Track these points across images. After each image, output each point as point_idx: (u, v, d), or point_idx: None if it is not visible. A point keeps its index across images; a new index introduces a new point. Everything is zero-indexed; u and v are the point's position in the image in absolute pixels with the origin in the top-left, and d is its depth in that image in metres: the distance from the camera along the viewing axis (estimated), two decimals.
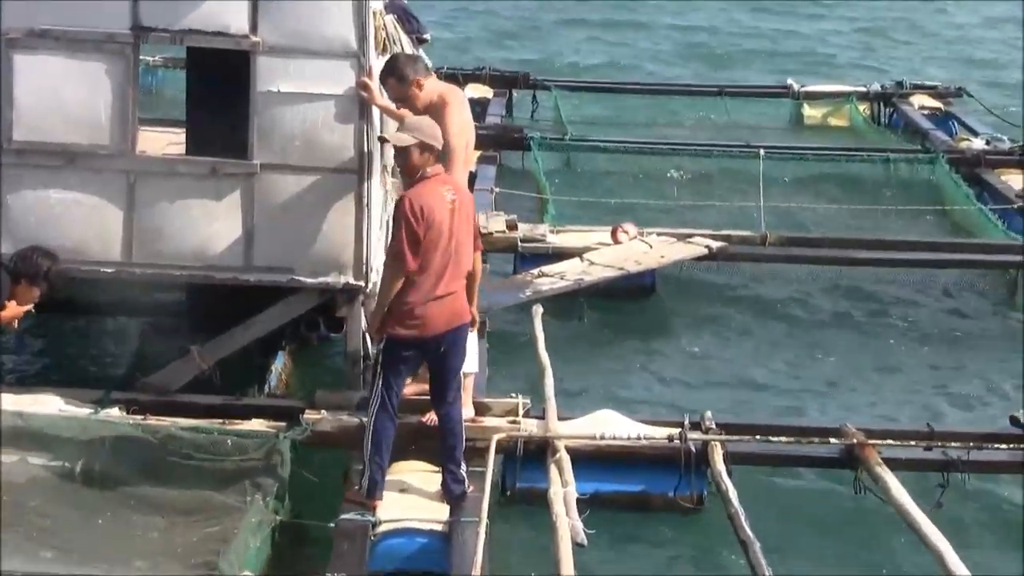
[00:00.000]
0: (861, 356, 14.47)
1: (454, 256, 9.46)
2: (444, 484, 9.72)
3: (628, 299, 15.27)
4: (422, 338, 9.42)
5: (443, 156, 9.74)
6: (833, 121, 24.55)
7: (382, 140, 9.32)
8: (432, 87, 10.25)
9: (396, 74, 10.18)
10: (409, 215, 9.19)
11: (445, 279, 9.43)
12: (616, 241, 15.61)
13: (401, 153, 9.39)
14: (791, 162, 20.28)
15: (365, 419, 9.56)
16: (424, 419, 10.27)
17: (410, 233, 9.19)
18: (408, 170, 9.44)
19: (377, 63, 10.73)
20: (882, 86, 25.05)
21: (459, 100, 10.42)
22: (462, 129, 10.21)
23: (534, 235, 15.79)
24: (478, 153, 18.98)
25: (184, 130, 12.19)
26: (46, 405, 10.41)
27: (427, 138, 9.36)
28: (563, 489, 9.70)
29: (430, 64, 11.92)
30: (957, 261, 16.43)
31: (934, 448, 10.84)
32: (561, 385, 11.37)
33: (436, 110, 10.07)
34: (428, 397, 9.99)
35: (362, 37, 10.62)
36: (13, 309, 10.42)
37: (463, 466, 9.76)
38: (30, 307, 10.55)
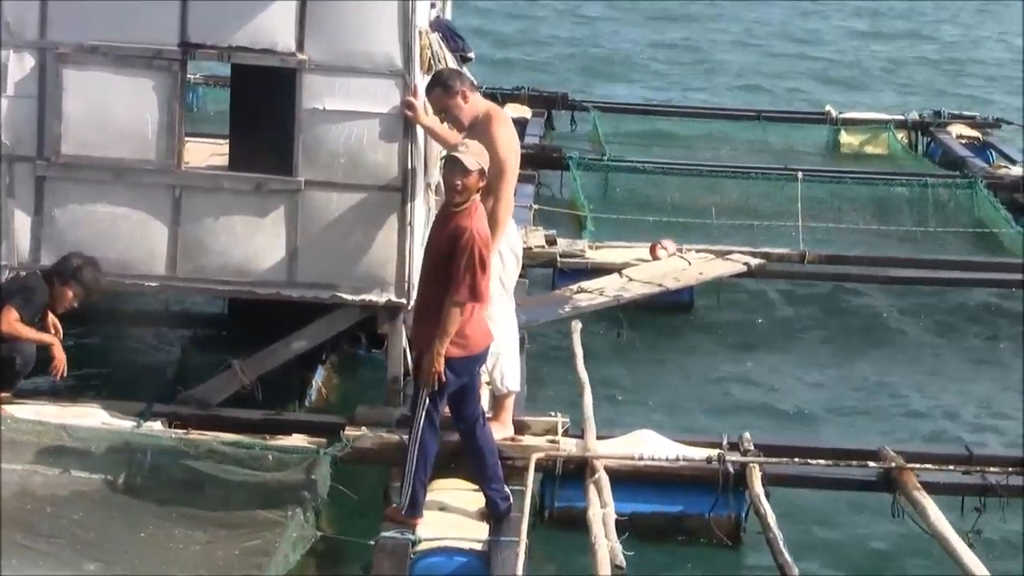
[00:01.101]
0: (903, 375, 14.48)
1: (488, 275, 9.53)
2: (490, 502, 9.70)
3: (667, 316, 15.29)
4: (468, 357, 9.43)
5: (493, 171, 9.72)
6: (870, 149, 24.52)
7: (451, 158, 9.27)
8: (478, 102, 10.30)
9: (442, 84, 10.25)
10: (483, 247, 9.14)
11: (485, 298, 9.49)
12: (655, 257, 15.66)
13: (464, 175, 9.20)
14: (829, 185, 20.25)
15: (409, 435, 9.50)
16: None
17: (483, 266, 9.17)
18: (463, 194, 9.26)
19: (422, 82, 10.79)
20: (920, 115, 25.03)
21: (505, 118, 10.49)
22: (510, 145, 10.25)
23: (573, 251, 15.87)
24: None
25: (227, 141, 12.25)
26: (89, 418, 10.49)
27: (485, 165, 9.31)
28: (602, 511, 9.70)
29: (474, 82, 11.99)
30: (996, 281, 16.45)
31: (973, 472, 10.81)
32: (600, 402, 11.39)
33: (482, 126, 10.14)
34: None
35: (407, 56, 10.69)
36: (35, 333, 10.51)
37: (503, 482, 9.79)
38: (55, 342, 10.62)
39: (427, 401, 9.37)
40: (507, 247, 10.44)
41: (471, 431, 9.69)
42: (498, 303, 10.32)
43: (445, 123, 10.55)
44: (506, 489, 9.75)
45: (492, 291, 9.99)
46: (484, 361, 9.75)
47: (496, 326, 10.08)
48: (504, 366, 10.50)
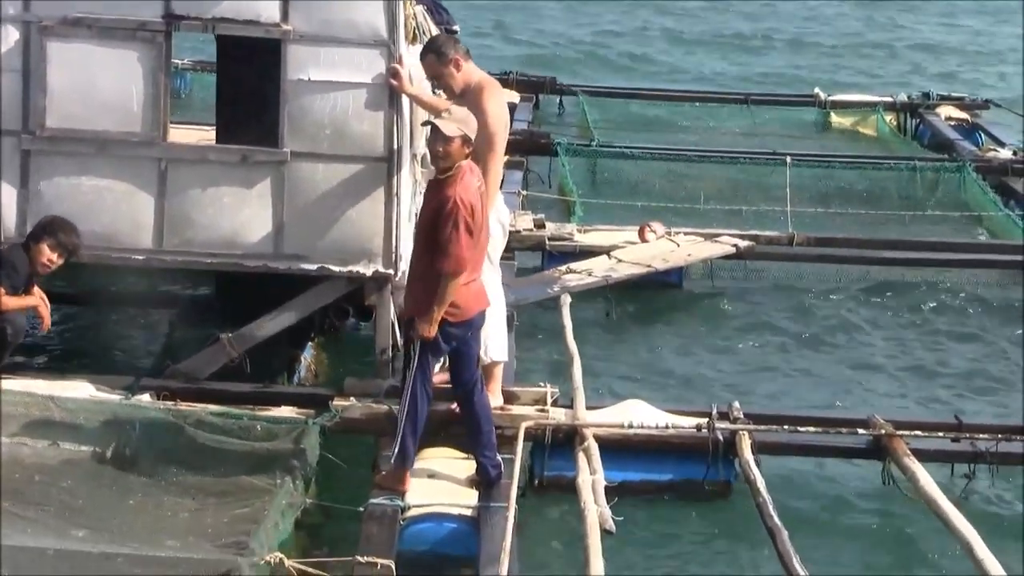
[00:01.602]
0: (887, 351, 14.51)
1: (482, 243, 9.55)
2: (481, 469, 9.72)
3: (656, 295, 15.31)
4: (459, 323, 9.42)
5: (481, 142, 9.72)
6: (860, 129, 24.54)
7: (430, 125, 9.26)
8: (471, 70, 10.30)
9: (435, 50, 10.26)
10: (466, 216, 9.12)
11: (476, 265, 9.49)
12: (643, 239, 15.67)
13: (445, 142, 9.21)
14: (818, 169, 20.26)
15: (400, 395, 9.52)
16: (454, 407, 10.29)
17: (468, 234, 9.15)
18: (446, 160, 9.28)
19: (407, 52, 10.77)
20: (909, 96, 25.10)
21: (497, 89, 10.47)
22: (500, 118, 10.23)
23: (561, 233, 15.87)
24: (506, 157, 19.08)
25: (214, 128, 12.23)
26: (77, 391, 10.45)
27: (470, 131, 9.29)
28: (591, 477, 9.71)
29: None
30: (984, 261, 16.50)
31: (962, 440, 10.82)
32: (589, 375, 11.39)
33: (474, 95, 10.13)
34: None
35: (392, 26, 10.66)
36: (19, 299, 10.50)
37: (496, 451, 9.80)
38: (39, 303, 10.60)
39: (418, 362, 9.37)
40: (495, 219, 10.40)
41: (468, 396, 9.71)
42: (485, 274, 10.30)
43: (438, 91, 10.52)
44: (498, 458, 9.77)
45: None
46: (478, 326, 9.72)
47: None
48: (490, 336, 10.46)
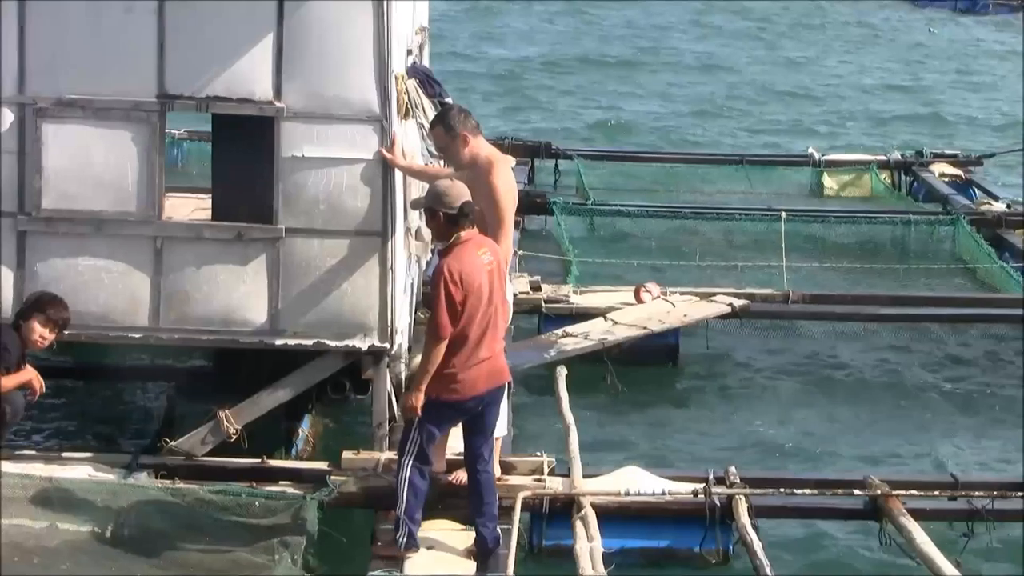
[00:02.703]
0: (889, 412, 14.53)
1: (492, 319, 9.57)
2: (479, 538, 9.76)
3: (652, 358, 15.30)
4: (463, 401, 9.51)
5: (492, 218, 9.96)
6: (853, 191, 24.58)
7: (414, 207, 9.49)
8: (480, 145, 10.39)
9: (445, 123, 10.35)
10: (449, 283, 9.25)
11: (486, 342, 9.52)
12: (639, 301, 15.70)
13: (429, 218, 9.51)
14: (813, 225, 20.33)
15: (397, 476, 9.62)
16: (452, 478, 10.35)
17: (449, 302, 9.24)
18: (436, 234, 9.53)
19: (400, 127, 10.87)
20: (902, 155, 25.14)
21: (506, 163, 10.56)
22: (510, 194, 10.31)
23: (558, 296, 15.91)
24: None
25: (210, 195, 12.32)
26: (75, 470, 10.51)
27: (442, 206, 9.43)
28: (589, 545, 9.75)
29: None
30: (982, 316, 16.55)
31: (959, 498, 10.86)
32: (586, 443, 11.42)
33: (483, 170, 10.23)
34: (460, 457, 10.08)
35: (385, 102, 10.77)
36: (14, 377, 10.55)
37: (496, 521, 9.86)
38: (32, 376, 10.66)
39: (417, 439, 9.48)
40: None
41: (474, 464, 9.77)
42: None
43: (436, 160, 10.60)
44: (498, 529, 9.81)
45: None
46: (494, 401, 9.76)
47: None
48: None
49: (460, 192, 9.52)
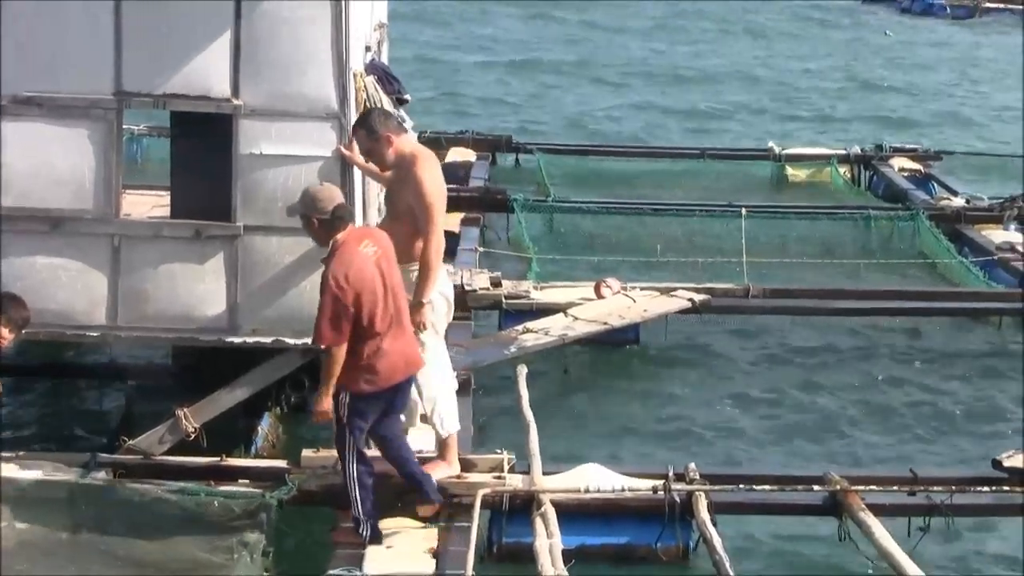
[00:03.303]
0: (843, 402, 14.60)
1: (397, 306, 9.75)
2: (424, 495, 10.05)
3: (613, 353, 15.34)
4: (383, 391, 9.72)
5: (419, 211, 10.10)
6: (814, 182, 24.64)
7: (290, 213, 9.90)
8: (403, 142, 10.43)
9: (366, 127, 10.36)
10: (335, 289, 9.42)
11: (393, 331, 9.70)
12: (599, 296, 15.69)
13: (304, 226, 9.76)
14: (773, 221, 20.37)
15: (344, 479, 9.79)
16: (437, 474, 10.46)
17: (333, 310, 9.43)
18: (315, 240, 9.79)
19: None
20: (862, 149, 25.16)
21: (431, 158, 10.59)
22: (435, 186, 10.35)
23: (518, 291, 15.86)
24: (461, 215, 19.20)
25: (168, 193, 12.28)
26: (32, 470, 10.45)
27: (315, 212, 9.60)
28: (548, 542, 9.76)
29: (411, 124, 12.06)
30: (940, 309, 16.65)
31: (918, 493, 10.92)
32: (546, 440, 11.42)
33: (408, 165, 10.29)
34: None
35: (343, 98, 10.75)
36: None
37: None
38: None
39: (350, 437, 9.68)
40: (437, 292, 10.52)
41: (389, 448, 10.03)
42: (430, 347, 10.44)
43: (369, 162, 10.62)
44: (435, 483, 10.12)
45: (424, 336, 10.26)
46: (402, 391, 9.96)
47: (429, 370, 10.33)
48: (442, 410, 10.56)
49: (332, 195, 9.70)
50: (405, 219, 10.38)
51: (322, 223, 9.60)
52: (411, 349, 9.90)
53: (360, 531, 9.73)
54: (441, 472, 10.45)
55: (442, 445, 10.66)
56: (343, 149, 10.69)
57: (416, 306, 10.19)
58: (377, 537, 9.76)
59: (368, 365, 9.57)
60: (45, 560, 9.39)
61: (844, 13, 55.62)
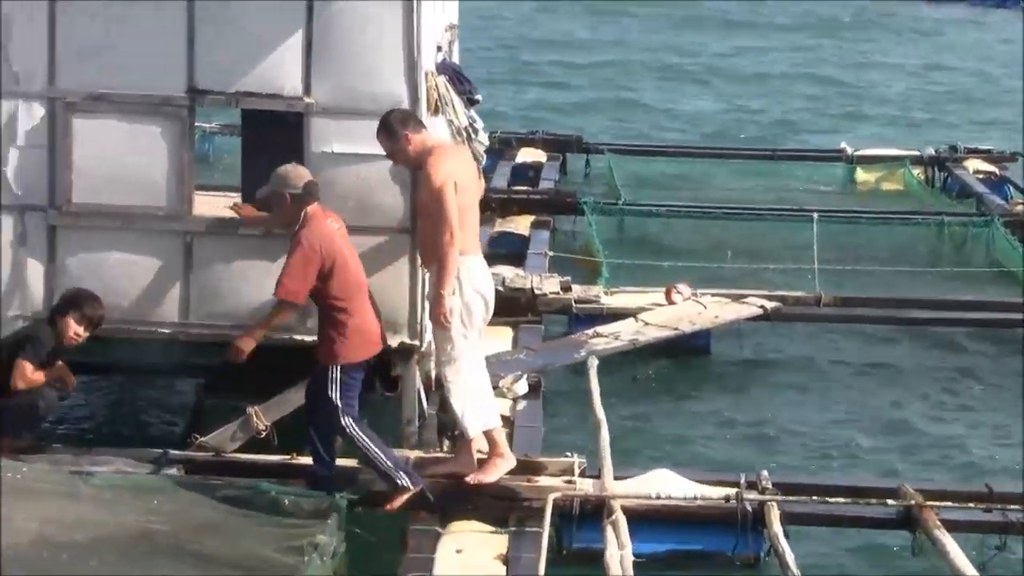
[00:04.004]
0: (919, 414, 14.40)
1: (363, 282, 10.28)
2: (399, 488, 10.26)
3: (683, 360, 15.23)
4: (368, 360, 10.33)
5: (428, 201, 10.19)
6: (886, 185, 24.42)
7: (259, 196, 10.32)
8: (425, 139, 10.37)
9: (386, 128, 10.34)
10: (311, 252, 9.94)
11: (367, 305, 10.28)
12: (670, 302, 15.59)
13: (276, 205, 10.14)
14: (845, 225, 20.20)
15: (357, 447, 10.27)
16: (472, 478, 10.43)
17: (304, 268, 9.95)
18: (286, 219, 10.16)
19: (430, 123, 10.79)
20: (936, 150, 24.89)
21: (446, 151, 10.47)
22: (447, 174, 10.18)
23: (588, 296, 15.80)
24: (531, 218, 19.15)
25: (239, 194, 12.28)
26: (105, 466, 10.49)
27: (288, 187, 10.06)
28: (619, 552, 9.64)
29: (482, 124, 11.99)
30: (1013, 321, 16.36)
31: (993, 510, 10.70)
32: (617, 443, 11.33)
33: (423, 161, 10.26)
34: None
35: (414, 98, 10.72)
36: (47, 372, 10.55)
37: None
38: (64, 371, 10.68)
39: (345, 410, 10.17)
40: (471, 288, 10.41)
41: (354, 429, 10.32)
42: (460, 345, 10.38)
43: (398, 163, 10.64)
44: (407, 471, 10.34)
45: (453, 333, 10.24)
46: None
47: (457, 368, 10.37)
48: (467, 408, 10.47)
49: (302, 172, 10.21)
50: (426, 218, 10.33)
51: (295, 198, 10.04)
52: (380, 325, 10.36)
53: (399, 482, 10.08)
54: (498, 470, 10.51)
55: (489, 442, 10.62)
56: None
57: (435, 298, 10.18)
58: (416, 480, 10.15)
59: (354, 334, 10.10)
60: (115, 557, 9.33)
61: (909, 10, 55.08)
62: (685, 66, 39.70)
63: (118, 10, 10.72)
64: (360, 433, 10.14)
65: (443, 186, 10.11)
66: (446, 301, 10.17)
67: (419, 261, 10.79)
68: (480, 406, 10.51)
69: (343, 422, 10.10)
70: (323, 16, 10.70)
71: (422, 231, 10.42)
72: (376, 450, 10.14)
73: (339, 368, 10.07)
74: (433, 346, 10.82)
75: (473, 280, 10.43)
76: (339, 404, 10.07)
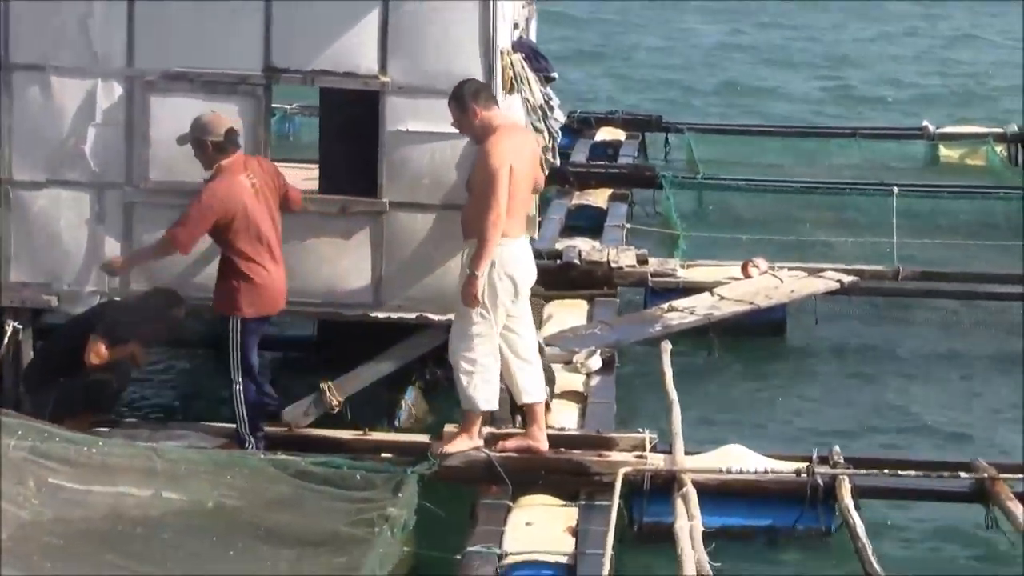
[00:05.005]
0: (1000, 393, 14.27)
1: (274, 238, 10.56)
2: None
3: (758, 334, 15.20)
4: (268, 316, 10.73)
5: (479, 180, 10.14)
6: (969, 162, 24.23)
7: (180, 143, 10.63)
8: (493, 116, 10.33)
9: (457, 98, 10.35)
10: (206, 202, 10.30)
11: (276, 260, 10.56)
12: (747, 276, 15.55)
13: (197, 152, 10.49)
14: (926, 200, 20.06)
15: (232, 400, 10.68)
16: (528, 443, 10.64)
17: (199, 219, 10.31)
18: (204, 163, 10.50)
19: (505, 102, 10.84)
20: (1019, 127, 24.66)
21: (509, 132, 10.39)
22: (502, 156, 10.13)
23: (664, 269, 15.80)
24: (609, 191, 19.16)
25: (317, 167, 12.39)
26: (179, 441, 10.66)
27: (209, 135, 10.38)
28: (689, 523, 9.69)
29: (558, 102, 12.03)
30: None
31: None
32: (688, 420, 11.37)
33: (484, 138, 10.26)
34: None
35: (490, 76, 10.77)
36: (118, 350, 10.80)
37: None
38: (134, 348, 10.97)
39: (242, 365, 10.67)
40: (501, 271, 10.31)
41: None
42: (478, 324, 10.34)
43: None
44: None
45: (473, 313, 10.23)
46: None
47: (470, 345, 10.34)
48: (471, 384, 10.44)
49: (223, 121, 10.46)
50: (475, 195, 10.30)
51: (215, 145, 10.37)
52: (285, 285, 10.68)
53: (246, 446, 10.59)
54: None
55: (529, 415, 10.69)
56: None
57: (468, 277, 10.16)
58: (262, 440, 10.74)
59: (262, 287, 10.46)
60: (190, 531, 9.48)
61: None
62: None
63: None
64: (240, 390, 10.59)
65: (498, 169, 10.08)
66: (479, 282, 10.13)
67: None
68: (483, 386, 10.47)
69: (237, 365, 10.56)
70: None
71: (468, 206, 10.37)
72: (243, 411, 10.61)
73: (239, 320, 10.45)
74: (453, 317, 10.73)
75: (505, 263, 10.29)
76: (239, 347, 10.49)
